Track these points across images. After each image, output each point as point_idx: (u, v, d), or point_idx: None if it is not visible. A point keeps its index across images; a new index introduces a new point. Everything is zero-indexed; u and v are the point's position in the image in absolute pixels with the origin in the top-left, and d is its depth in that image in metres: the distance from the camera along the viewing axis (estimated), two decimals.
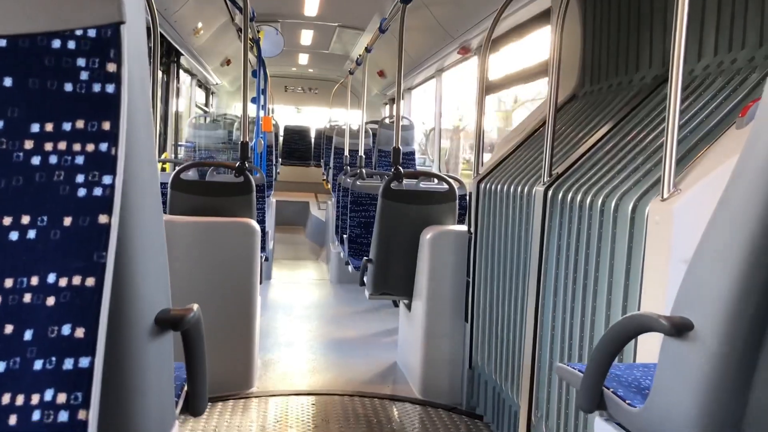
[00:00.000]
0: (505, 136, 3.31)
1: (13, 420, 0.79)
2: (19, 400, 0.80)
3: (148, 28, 2.99)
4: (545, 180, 2.32)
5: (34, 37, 0.86)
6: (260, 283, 3.40)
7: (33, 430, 0.79)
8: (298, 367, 3.77)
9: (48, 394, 0.80)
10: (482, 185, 3.05)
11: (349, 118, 7.87)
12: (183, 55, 6.89)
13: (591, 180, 2.11)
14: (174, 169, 4.75)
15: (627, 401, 1.22)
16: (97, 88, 0.87)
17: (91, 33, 0.86)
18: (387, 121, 8.27)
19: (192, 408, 1.28)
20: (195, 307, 1.12)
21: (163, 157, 6.34)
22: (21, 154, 0.86)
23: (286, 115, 13.25)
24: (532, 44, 4.45)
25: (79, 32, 0.86)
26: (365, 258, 3.78)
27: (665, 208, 1.62)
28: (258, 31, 6.31)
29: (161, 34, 5.08)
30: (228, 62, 8.86)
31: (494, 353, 2.84)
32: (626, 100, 2.42)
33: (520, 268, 2.57)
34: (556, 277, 2.22)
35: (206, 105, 10.43)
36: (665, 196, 1.62)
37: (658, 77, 2.33)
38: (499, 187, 2.83)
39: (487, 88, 3.34)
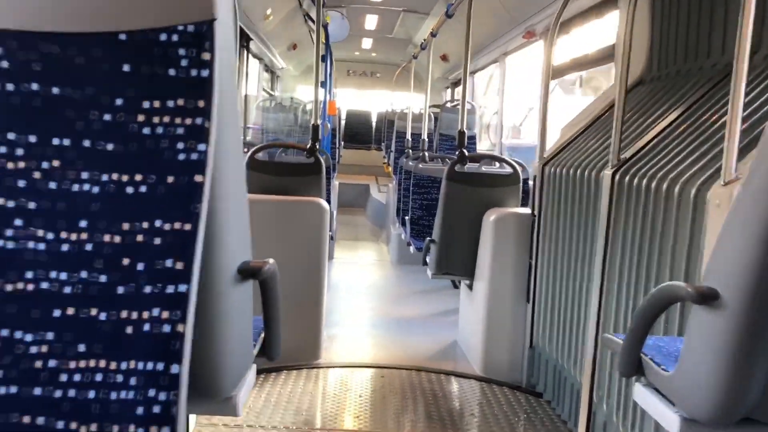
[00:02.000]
0: (570, 121, 3.34)
1: (129, 330, 1.04)
2: (134, 315, 1.04)
3: None
4: (613, 164, 2.36)
5: (147, 31, 1.05)
6: (329, 261, 3.55)
7: (144, 338, 1.03)
8: (361, 341, 3.92)
9: (155, 312, 1.03)
10: (547, 169, 3.10)
11: (411, 102, 7.94)
12: (252, 40, 7.11)
13: (658, 165, 2.15)
14: (245, 149, 4.96)
15: (662, 366, 1.31)
16: (194, 72, 1.05)
17: (190, 28, 1.05)
18: (449, 105, 8.31)
19: (268, 352, 1.49)
20: (271, 260, 1.33)
21: None
22: (135, 125, 1.06)
23: (348, 98, 13.41)
24: (597, 29, 4.42)
25: (180, 27, 1.05)
26: (428, 239, 3.88)
27: (726, 192, 1.66)
28: (325, 16, 6.44)
29: None
30: (294, 47, 9.06)
31: (556, 333, 2.90)
32: (697, 87, 2.43)
33: (585, 251, 2.62)
34: (621, 259, 2.27)
35: (271, 88, 10.68)
36: (726, 180, 1.66)
37: (731, 64, 2.34)
38: (564, 170, 2.88)
39: (552, 72, 3.37)
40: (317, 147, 3.63)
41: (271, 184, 3.52)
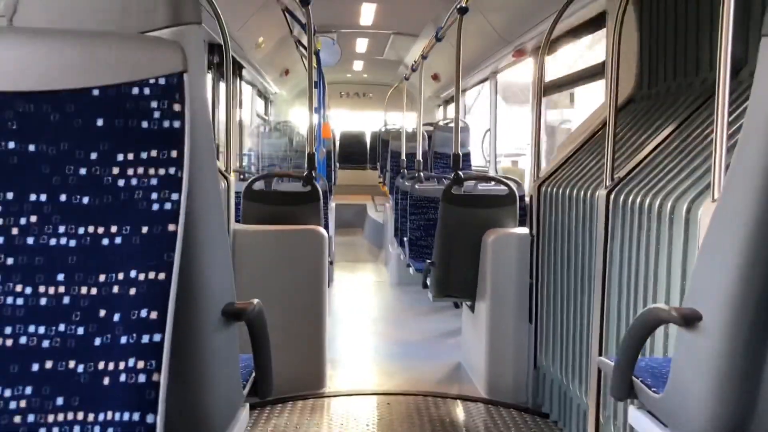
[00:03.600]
0: (564, 141, 3.37)
1: (106, 381, 1.05)
2: (110, 366, 1.05)
3: (220, 46, 3.18)
4: (607, 184, 2.38)
5: (119, 86, 1.08)
6: (328, 286, 3.55)
7: (120, 389, 1.04)
8: (365, 368, 3.90)
9: (131, 362, 1.04)
10: (543, 188, 3.12)
11: (405, 122, 7.99)
12: (244, 67, 7.16)
13: (651, 183, 2.16)
14: (239, 178, 4.97)
15: (653, 389, 1.31)
16: (166, 124, 1.08)
17: (161, 81, 1.08)
18: (442, 123, 8.36)
19: (259, 391, 1.50)
20: (255, 301, 1.35)
21: (237, 166, 6.60)
22: (110, 178, 1.09)
23: (342, 119, 13.48)
24: (586, 47, 4.47)
25: (152, 81, 1.08)
26: (428, 261, 3.89)
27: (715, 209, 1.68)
28: (316, 42, 6.49)
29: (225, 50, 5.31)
30: (286, 72, 9.12)
31: (560, 353, 2.90)
32: (688, 103, 2.45)
33: (584, 270, 2.63)
34: (619, 278, 2.28)
35: (265, 113, 10.74)
36: (715, 197, 1.68)
37: None
38: (560, 190, 2.90)
39: (543, 89, 3.40)
40: (314, 174, 3.64)
41: (269, 213, 3.54)
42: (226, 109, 3.31)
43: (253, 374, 1.50)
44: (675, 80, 2.68)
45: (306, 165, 3.70)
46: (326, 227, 4.39)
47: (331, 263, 4.60)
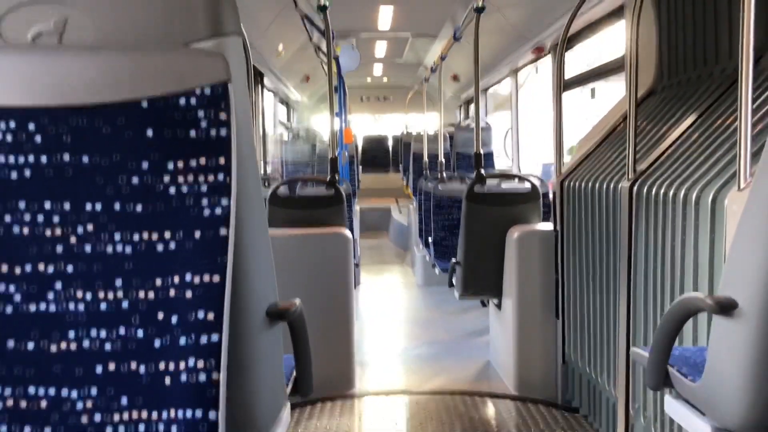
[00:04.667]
0: (586, 135, 3.36)
1: (168, 380, 1.09)
2: (171, 366, 1.09)
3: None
4: (630, 176, 2.38)
5: (167, 97, 1.12)
6: (354, 287, 3.59)
7: (182, 388, 1.08)
8: (394, 368, 3.93)
9: (191, 362, 1.08)
10: (566, 183, 3.12)
11: (426, 123, 8.01)
12: (265, 75, 7.25)
13: (674, 174, 2.16)
14: (266, 185, 5.04)
15: (689, 377, 1.32)
16: (213, 132, 1.12)
17: (207, 91, 1.12)
18: (463, 124, 8.37)
19: (300, 390, 1.54)
20: (297, 301, 1.39)
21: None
22: (161, 186, 1.13)
23: (364, 124, 13.55)
24: (606, 40, 4.45)
25: (198, 91, 1.12)
26: (453, 260, 3.90)
27: (742, 197, 1.67)
28: (335, 48, 6.56)
29: (246, 59, 5.39)
30: (307, 79, 9.20)
31: (588, 347, 2.90)
32: (708, 93, 2.44)
33: (609, 263, 2.63)
34: (645, 270, 2.27)
35: (288, 120, 10.84)
36: (742, 186, 1.67)
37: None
38: (583, 184, 2.90)
39: (563, 85, 3.40)
40: (337, 178, 3.69)
41: (294, 217, 3.58)
42: (254, 117, 3.37)
43: (294, 374, 1.54)
44: (695, 70, 2.67)
45: (329, 169, 3.75)
46: (351, 230, 4.43)
47: (357, 266, 4.64)
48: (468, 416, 3.09)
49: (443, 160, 5.74)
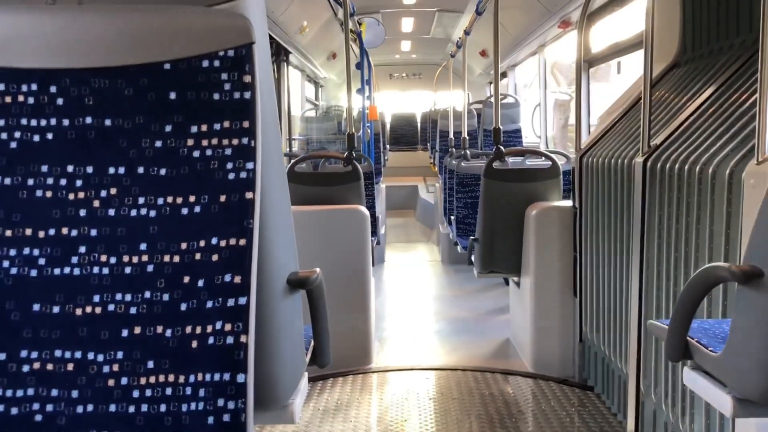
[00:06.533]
0: (607, 109, 3.29)
1: (194, 344, 1.09)
2: (198, 330, 1.09)
3: None
4: (644, 151, 2.33)
5: (190, 59, 1.10)
6: (372, 264, 3.59)
7: (209, 351, 1.08)
8: (414, 344, 3.95)
9: (218, 325, 1.08)
10: (584, 159, 3.07)
11: (453, 100, 7.93)
12: (291, 53, 7.24)
13: (690, 148, 2.11)
14: (288, 161, 5.07)
15: (709, 348, 1.29)
16: (237, 95, 1.10)
17: (230, 53, 1.10)
18: (491, 100, 8.26)
19: (318, 360, 1.53)
20: (317, 270, 1.38)
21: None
22: (185, 149, 1.12)
23: (393, 101, 13.48)
24: (635, 13, 4.33)
25: (221, 53, 1.10)
26: (471, 237, 3.88)
27: (760, 171, 1.62)
28: (360, 24, 6.51)
29: (270, 36, 5.40)
30: (334, 56, 9.18)
31: (603, 325, 2.87)
32: (727, 66, 2.37)
33: (624, 240, 2.59)
34: (658, 246, 2.23)
35: (316, 98, 10.85)
36: (761, 158, 1.62)
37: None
38: (600, 160, 2.85)
39: (588, 61, 3.33)
40: (354, 155, 3.68)
41: (312, 194, 3.60)
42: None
43: (312, 344, 1.54)
44: (718, 42, 2.58)
45: (347, 146, 3.75)
46: (372, 208, 4.43)
47: (378, 243, 4.64)
48: (485, 393, 3.10)
49: (467, 137, 5.68)
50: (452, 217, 4.97)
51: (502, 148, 3.73)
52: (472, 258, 3.92)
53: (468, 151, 5.26)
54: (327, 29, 7.34)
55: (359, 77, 6.27)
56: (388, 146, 11.15)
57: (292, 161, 3.77)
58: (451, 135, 7.13)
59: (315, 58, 8.53)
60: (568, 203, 3.33)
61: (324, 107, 9.95)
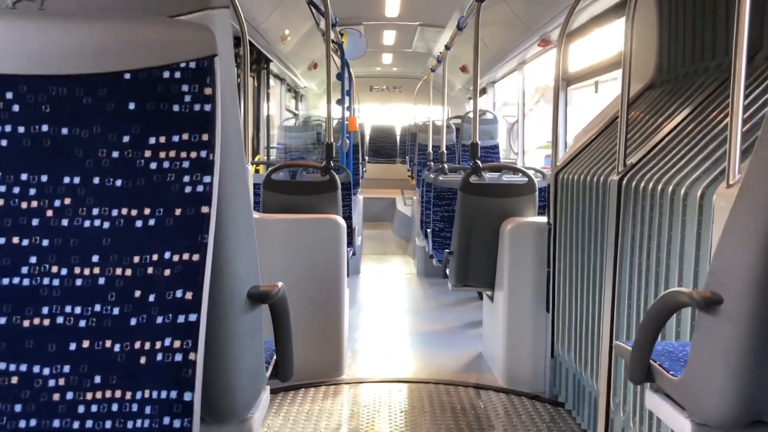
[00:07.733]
0: (584, 127, 3.33)
1: (143, 360, 1.07)
2: (147, 345, 1.07)
3: (238, 38, 3.23)
4: (619, 170, 2.36)
5: (150, 70, 1.09)
6: (347, 275, 3.58)
7: (157, 367, 1.06)
8: (386, 356, 3.93)
9: (167, 341, 1.07)
10: (560, 176, 3.09)
11: (432, 114, 7.98)
12: (272, 61, 7.23)
13: (663, 168, 2.13)
14: (267, 170, 5.04)
15: (670, 372, 1.30)
16: (197, 107, 1.09)
17: (192, 65, 1.09)
18: (470, 115, 8.32)
19: (281, 373, 1.51)
20: (279, 284, 1.35)
21: (256, 159, 6.69)
22: (142, 161, 1.10)
23: (373, 113, 13.51)
24: (613, 34, 4.40)
25: (183, 64, 1.09)
26: (447, 251, 3.89)
27: (730, 194, 1.65)
28: (341, 35, 6.53)
29: (251, 43, 5.38)
30: (315, 66, 9.18)
31: (575, 342, 2.88)
32: (703, 88, 2.41)
33: (598, 258, 2.61)
34: (630, 265, 2.25)
35: (295, 108, 10.82)
36: (731, 182, 1.65)
37: None
38: (576, 177, 2.87)
39: (566, 80, 3.37)
40: (332, 165, 3.67)
41: (288, 203, 3.58)
42: (243, 97, 3.35)
43: (274, 357, 1.52)
44: (693, 64, 2.63)
45: (325, 155, 3.74)
46: (349, 219, 4.42)
47: (354, 254, 4.63)
48: (455, 406, 3.09)
49: (445, 151, 5.71)
50: (429, 230, 4.98)
51: (479, 162, 3.75)
52: (447, 271, 3.93)
53: (446, 165, 5.28)
54: (308, 39, 7.35)
55: (339, 88, 6.28)
56: (366, 158, 11.15)
57: (270, 169, 3.75)
58: (430, 149, 7.16)
59: (296, 68, 8.53)
60: (543, 219, 3.35)
61: (302, 117, 9.93)
